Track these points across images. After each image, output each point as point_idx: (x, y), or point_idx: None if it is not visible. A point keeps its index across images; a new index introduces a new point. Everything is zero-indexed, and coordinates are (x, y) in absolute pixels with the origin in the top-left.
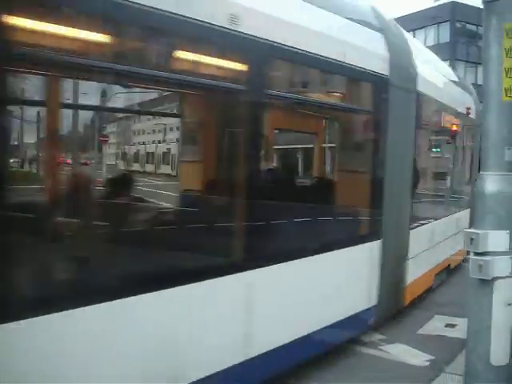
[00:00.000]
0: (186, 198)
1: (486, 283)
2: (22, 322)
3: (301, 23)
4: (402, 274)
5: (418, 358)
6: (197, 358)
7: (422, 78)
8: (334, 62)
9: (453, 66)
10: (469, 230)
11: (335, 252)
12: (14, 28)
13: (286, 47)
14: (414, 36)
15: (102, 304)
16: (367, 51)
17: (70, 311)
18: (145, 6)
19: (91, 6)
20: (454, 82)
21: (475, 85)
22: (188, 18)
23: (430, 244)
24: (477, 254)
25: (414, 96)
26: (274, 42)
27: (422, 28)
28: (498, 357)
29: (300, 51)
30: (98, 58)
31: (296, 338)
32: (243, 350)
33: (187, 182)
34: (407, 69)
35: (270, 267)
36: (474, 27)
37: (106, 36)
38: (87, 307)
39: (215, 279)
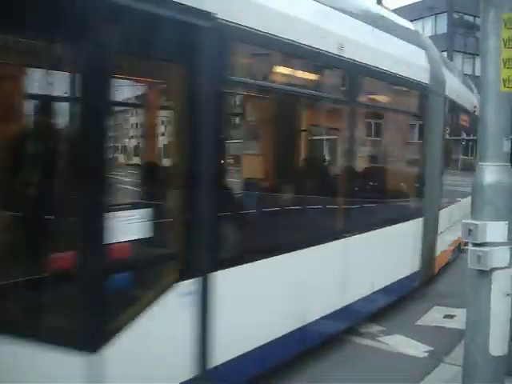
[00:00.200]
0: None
1: (485, 274)
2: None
3: (380, 48)
4: (434, 247)
5: (416, 349)
6: (315, 303)
7: (448, 84)
8: (398, 76)
9: (450, 57)
10: (467, 221)
11: (398, 225)
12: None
13: (371, 67)
14: None
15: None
16: (418, 66)
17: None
18: (311, 46)
19: (282, 49)
20: (463, 83)
21: (473, 76)
22: (320, 49)
23: (450, 223)
24: (475, 244)
25: (442, 99)
26: (363, 63)
27: (419, 19)
28: (496, 347)
29: (379, 69)
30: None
31: (376, 290)
32: (342, 299)
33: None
34: (439, 77)
35: (359, 235)
36: (471, 18)
37: (287, 68)
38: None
39: (331, 242)
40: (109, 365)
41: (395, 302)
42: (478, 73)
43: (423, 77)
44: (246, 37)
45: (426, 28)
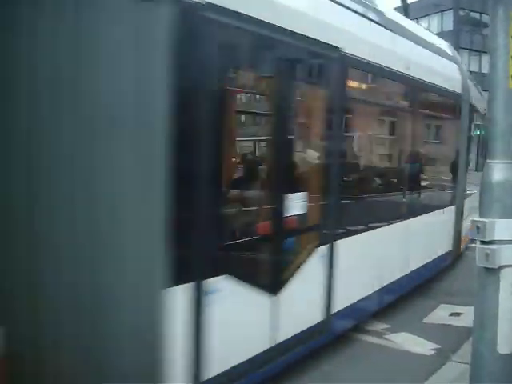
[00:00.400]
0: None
1: (493, 272)
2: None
3: (430, 66)
4: (460, 230)
5: (423, 347)
6: (396, 266)
7: (471, 92)
8: (443, 88)
9: None
10: (475, 219)
11: (441, 210)
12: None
13: (426, 82)
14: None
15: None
16: (454, 79)
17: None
18: (391, 68)
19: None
20: (476, 88)
21: (479, 73)
22: (394, 69)
23: (471, 210)
24: (483, 242)
25: (468, 105)
26: (421, 79)
27: (425, 16)
28: (504, 345)
29: (431, 84)
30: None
31: (428, 260)
32: (409, 266)
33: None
34: (466, 87)
35: (417, 217)
36: (477, 15)
37: (385, 87)
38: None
39: (403, 222)
40: (281, 303)
41: (400, 301)
42: (484, 70)
43: (457, 87)
44: (357, 63)
45: (432, 25)
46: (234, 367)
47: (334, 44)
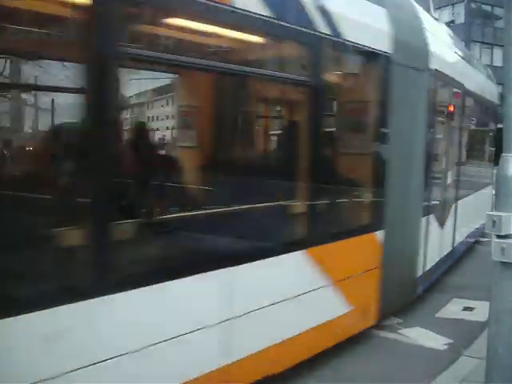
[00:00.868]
0: None
1: (509, 266)
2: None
3: (487, 87)
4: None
5: (436, 342)
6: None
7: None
8: (491, 101)
9: (468, 48)
10: (491, 213)
11: (489, 186)
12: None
13: (487, 99)
14: None
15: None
16: (495, 93)
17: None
18: (476, 92)
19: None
20: None
21: (491, 66)
22: (479, 93)
23: None
24: (499, 236)
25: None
26: (486, 97)
27: (436, 9)
28: None
29: (489, 99)
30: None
31: (474, 229)
32: (479, 221)
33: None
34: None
35: (483, 190)
36: (489, 7)
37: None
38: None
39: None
40: (443, 234)
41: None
42: (496, 63)
43: (496, 98)
44: (472, 94)
45: (444, 18)
46: (429, 269)
47: (471, 89)
